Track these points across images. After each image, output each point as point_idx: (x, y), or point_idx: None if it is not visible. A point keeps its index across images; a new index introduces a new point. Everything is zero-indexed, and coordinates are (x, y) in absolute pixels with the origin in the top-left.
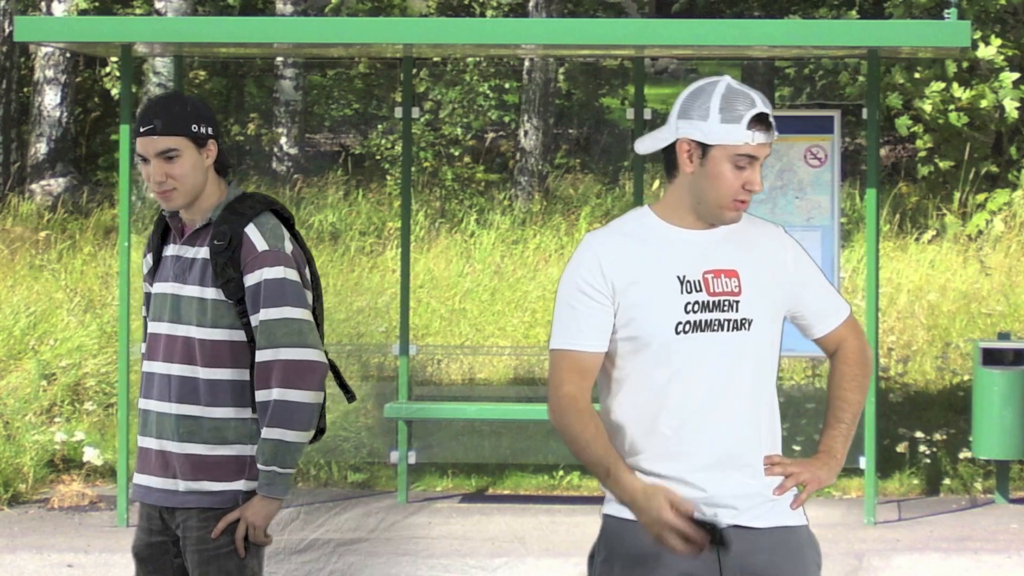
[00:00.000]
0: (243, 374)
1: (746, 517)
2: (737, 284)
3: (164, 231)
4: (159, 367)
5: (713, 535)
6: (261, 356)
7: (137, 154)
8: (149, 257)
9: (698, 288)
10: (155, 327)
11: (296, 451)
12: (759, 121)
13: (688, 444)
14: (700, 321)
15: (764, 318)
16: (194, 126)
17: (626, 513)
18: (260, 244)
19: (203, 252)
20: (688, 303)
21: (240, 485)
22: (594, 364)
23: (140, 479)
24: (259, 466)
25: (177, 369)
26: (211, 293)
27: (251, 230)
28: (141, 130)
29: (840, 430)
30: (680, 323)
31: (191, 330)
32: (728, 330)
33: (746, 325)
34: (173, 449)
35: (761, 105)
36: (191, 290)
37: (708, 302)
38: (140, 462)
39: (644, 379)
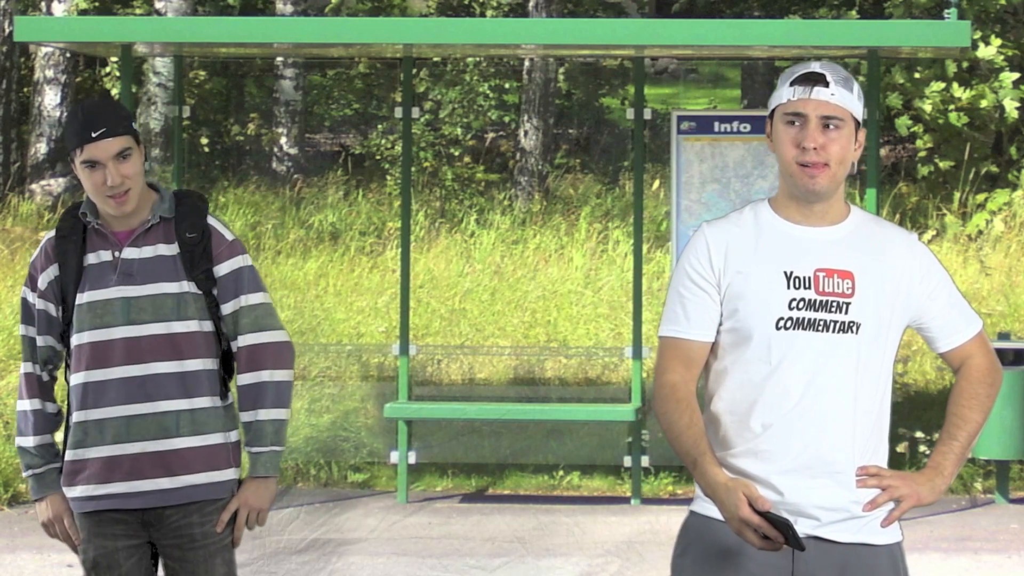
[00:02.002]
0: (214, 363)
1: (828, 530)
2: (850, 286)
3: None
4: (119, 372)
5: (787, 535)
6: (247, 340)
7: (83, 162)
8: (53, 269)
9: (807, 285)
10: (100, 334)
11: (286, 429)
12: (804, 79)
13: (775, 444)
14: (803, 319)
15: (876, 324)
16: (133, 124)
17: (708, 511)
18: (227, 234)
19: (163, 249)
20: (793, 299)
21: (232, 473)
22: (699, 353)
23: (109, 488)
24: (255, 448)
25: (154, 367)
26: (186, 286)
27: (213, 221)
28: (93, 135)
29: (952, 448)
30: (782, 319)
31: (170, 326)
32: (833, 331)
33: (853, 328)
34: (158, 448)
35: (815, 67)
36: (156, 288)
37: (815, 301)
38: (103, 471)
39: (743, 373)
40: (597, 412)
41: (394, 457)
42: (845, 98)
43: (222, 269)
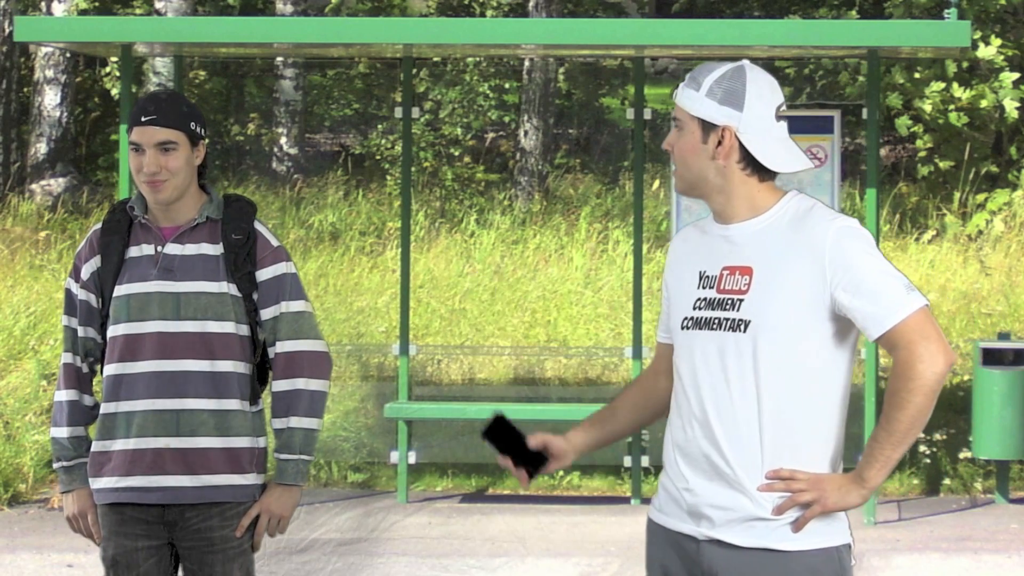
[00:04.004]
0: (247, 368)
1: (723, 532)
2: (747, 282)
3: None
4: (149, 365)
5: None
6: (285, 346)
7: (131, 143)
8: (95, 261)
9: (711, 284)
10: (135, 327)
11: (316, 439)
12: None
13: (686, 446)
14: (700, 318)
15: (775, 320)
16: (192, 124)
17: (653, 515)
18: (273, 240)
19: (207, 248)
20: (698, 299)
21: (255, 478)
22: (664, 353)
23: (129, 481)
24: (283, 455)
25: (185, 364)
26: (226, 287)
27: (260, 227)
28: (143, 119)
29: (872, 449)
30: (686, 318)
31: (205, 325)
32: (724, 329)
33: (741, 327)
34: (181, 445)
35: None
36: (195, 285)
37: (714, 299)
38: (125, 464)
39: (675, 375)
40: None
41: (394, 457)
42: (683, 98)
43: (265, 274)
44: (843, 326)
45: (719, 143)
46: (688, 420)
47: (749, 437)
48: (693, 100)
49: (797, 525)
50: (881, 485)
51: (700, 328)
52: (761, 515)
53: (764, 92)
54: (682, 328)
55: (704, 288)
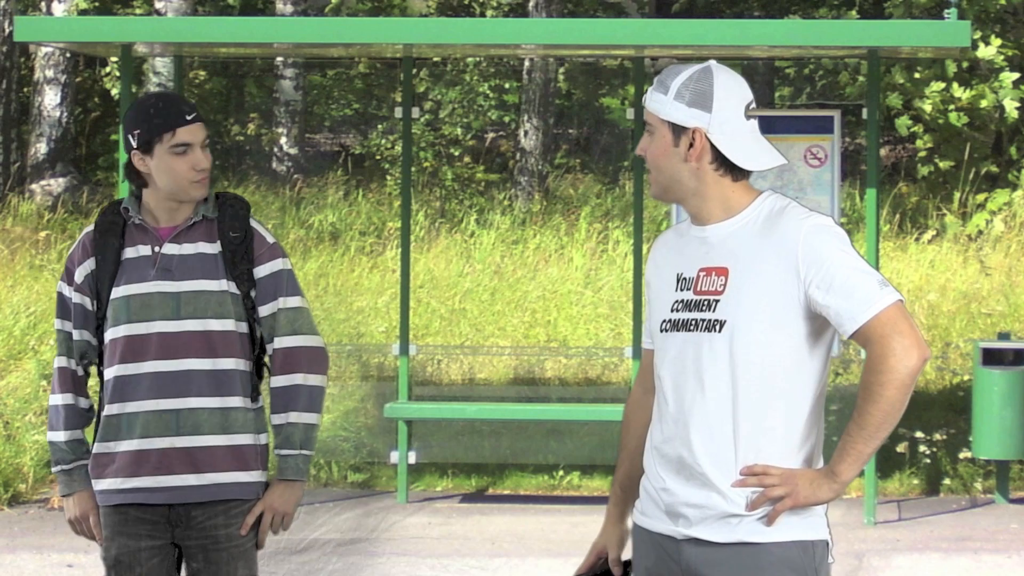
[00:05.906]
0: (247, 365)
1: (700, 530)
2: (723, 283)
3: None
4: (152, 366)
5: None
6: (283, 342)
7: (174, 145)
8: (89, 263)
9: (689, 286)
10: (136, 328)
11: (316, 434)
12: None
13: (662, 446)
14: (679, 320)
15: (748, 321)
16: None
17: (637, 518)
18: (268, 237)
19: (205, 247)
20: (676, 301)
21: (259, 475)
22: (649, 360)
23: (135, 482)
24: (284, 451)
25: (187, 364)
26: (224, 285)
27: (255, 224)
28: (188, 118)
29: (844, 444)
30: (664, 321)
31: (207, 323)
32: (700, 331)
33: (717, 327)
34: (186, 444)
35: None
36: (195, 284)
37: (691, 301)
38: (130, 465)
39: (655, 378)
40: (597, 412)
41: (394, 457)
42: (652, 102)
43: (262, 271)
44: (818, 325)
45: (690, 145)
46: (665, 420)
47: (722, 436)
48: (662, 104)
49: (769, 518)
50: (853, 479)
51: (678, 330)
52: (735, 511)
53: (732, 92)
54: (661, 331)
55: (682, 290)
